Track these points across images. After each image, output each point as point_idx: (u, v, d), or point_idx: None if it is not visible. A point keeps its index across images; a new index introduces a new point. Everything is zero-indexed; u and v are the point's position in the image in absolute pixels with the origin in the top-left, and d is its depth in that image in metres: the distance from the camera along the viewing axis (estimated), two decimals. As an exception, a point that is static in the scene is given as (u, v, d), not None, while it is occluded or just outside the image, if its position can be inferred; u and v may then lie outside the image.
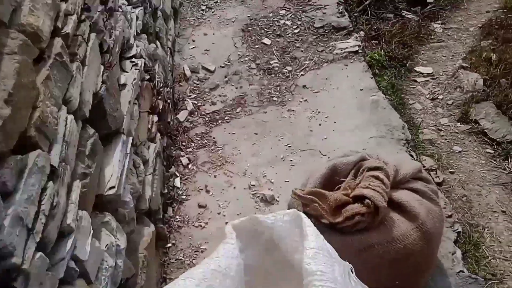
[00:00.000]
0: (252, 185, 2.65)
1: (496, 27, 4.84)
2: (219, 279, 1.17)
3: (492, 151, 3.49)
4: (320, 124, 2.96)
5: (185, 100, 3.16)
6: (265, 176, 2.69)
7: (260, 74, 3.35)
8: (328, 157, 2.72)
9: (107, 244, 1.68)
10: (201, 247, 2.38)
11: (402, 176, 1.94)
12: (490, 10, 5.42)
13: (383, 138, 2.76)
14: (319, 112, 3.03)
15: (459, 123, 3.79)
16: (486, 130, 3.62)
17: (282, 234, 1.30)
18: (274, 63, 3.44)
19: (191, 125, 3.03)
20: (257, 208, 2.52)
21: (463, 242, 2.64)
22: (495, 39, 4.62)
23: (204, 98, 3.22)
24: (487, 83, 4.07)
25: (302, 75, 3.32)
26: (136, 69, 2.39)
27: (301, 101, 3.14)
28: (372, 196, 1.73)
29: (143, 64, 2.51)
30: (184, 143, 2.91)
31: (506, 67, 4.08)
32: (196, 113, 3.11)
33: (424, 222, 1.79)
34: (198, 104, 3.17)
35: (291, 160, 2.76)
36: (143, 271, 2.01)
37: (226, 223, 1.49)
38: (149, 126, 2.53)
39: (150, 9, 2.99)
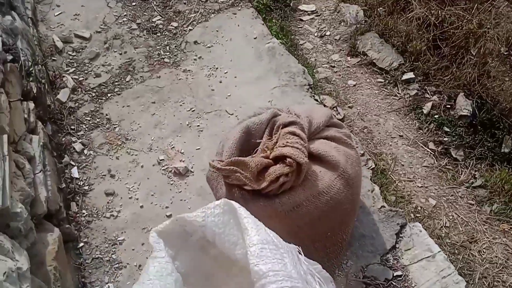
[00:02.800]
0: (161, 160, 2.44)
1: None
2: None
3: (383, 80, 3.65)
4: (220, 82, 2.78)
5: (63, 76, 2.74)
6: (173, 147, 2.48)
7: (144, 35, 3.02)
8: (236, 116, 2.60)
9: (5, 272, 1.41)
10: (118, 239, 2.16)
11: (315, 126, 1.89)
12: None
13: (286, 86, 2.69)
14: (216, 68, 2.84)
15: (349, 57, 3.88)
16: (374, 61, 3.76)
17: (216, 231, 1.16)
18: (157, 20, 3.11)
19: (77, 104, 2.65)
20: (171, 184, 2.34)
21: (377, 176, 2.75)
22: (365, -32, 4.71)
23: (86, 71, 2.82)
24: (367, 13, 4.18)
25: (190, 30, 3.06)
26: (-8, 51, 1.97)
27: (195, 59, 2.90)
28: (292, 154, 1.65)
29: (0, 43, 2.07)
30: (73, 127, 2.55)
31: (381, -5, 4.21)
32: (79, 89, 2.73)
33: (345, 169, 1.78)
34: (80, 79, 2.77)
35: (198, 125, 2.57)
36: (56, 286, 1.76)
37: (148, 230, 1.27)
38: (26, 115, 2.15)
39: (-6, -27, 2.46)
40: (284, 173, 1.66)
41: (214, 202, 1.20)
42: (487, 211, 2.79)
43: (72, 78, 2.74)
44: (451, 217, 2.79)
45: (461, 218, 2.77)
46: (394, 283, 1.91)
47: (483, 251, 2.60)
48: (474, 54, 3.56)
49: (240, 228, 1.09)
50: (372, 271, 1.95)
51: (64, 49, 2.90)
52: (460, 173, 2.98)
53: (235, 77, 2.81)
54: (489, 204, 2.81)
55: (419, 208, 2.79)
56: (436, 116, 3.26)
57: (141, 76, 2.81)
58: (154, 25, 3.07)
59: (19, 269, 1.50)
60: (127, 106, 2.68)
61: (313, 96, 2.69)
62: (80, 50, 2.91)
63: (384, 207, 2.17)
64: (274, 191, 1.69)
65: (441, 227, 2.74)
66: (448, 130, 3.16)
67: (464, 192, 2.91)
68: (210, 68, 2.85)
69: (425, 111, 3.33)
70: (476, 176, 2.99)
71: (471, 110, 3.19)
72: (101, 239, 2.16)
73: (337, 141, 1.90)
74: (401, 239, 2.04)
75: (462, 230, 2.68)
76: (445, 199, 2.88)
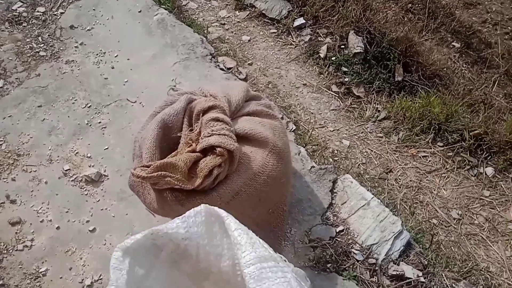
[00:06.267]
0: (66, 170, 2.15)
1: None
2: None
3: (276, 30, 3.61)
4: (113, 67, 2.48)
5: None
6: (77, 153, 2.20)
7: (7, 27, 2.55)
8: (140, 103, 2.36)
9: None
10: (41, 271, 1.91)
11: (235, 104, 1.78)
12: None
13: (188, 59, 2.49)
14: (104, 53, 2.52)
15: (237, 11, 3.74)
16: (263, 11, 3.68)
17: (200, 242, 1.01)
18: (19, 7, 2.63)
19: None
20: (86, 194, 2.09)
21: (300, 137, 2.74)
22: None
23: None
24: (243, -37, 4.01)
25: (62, 13, 2.65)
26: None
27: (77, 46, 2.54)
28: (221, 142, 1.54)
29: None
30: None
31: None
32: None
33: (275, 143, 1.73)
34: None
35: (99, 122, 2.29)
36: None
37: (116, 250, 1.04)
38: None
39: None
40: (216, 165, 1.55)
41: (193, 209, 1.04)
42: (395, 140, 2.97)
43: None
44: (365, 153, 2.93)
45: (374, 152, 2.92)
46: (338, 239, 1.97)
47: (399, 179, 2.79)
48: (354, -11, 3.64)
49: (226, 236, 0.97)
50: (316, 233, 1.98)
51: None
52: (365, 109, 3.12)
53: (128, 59, 2.52)
54: (395, 133, 2.99)
55: (336, 151, 2.89)
56: (333, 58, 3.32)
57: (16, 78, 2.40)
58: (16, 14, 2.60)
59: None
60: (9, 116, 2.28)
61: (218, 65, 2.53)
62: None
63: (314, 167, 2.19)
64: (209, 185, 1.59)
65: (359, 164, 2.88)
66: (346, 69, 3.25)
67: (372, 127, 3.06)
68: (97, 54, 2.52)
69: (322, 55, 3.37)
70: (379, 109, 3.14)
71: (363, 46, 3.30)
72: (20, 276, 1.89)
73: (260, 115, 1.82)
74: (335, 194, 2.09)
75: (377, 163, 2.84)
76: (356, 137, 3.00)
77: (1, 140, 2.21)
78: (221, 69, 2.59)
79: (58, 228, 2.01)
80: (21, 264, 1.92)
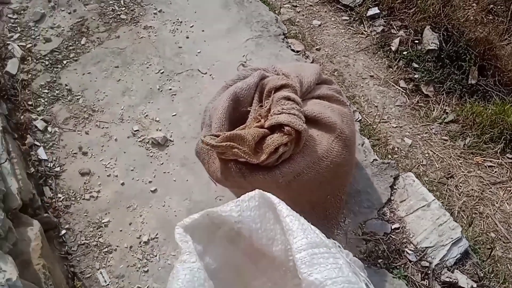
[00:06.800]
0: (135, 130, 2.25)
1: None
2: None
3: (348, 18, 3.53)
4: (187, 37, 2.55)
5: (8, 44, 2.40)
6: (147, 115, 2.30)
7: (93, -12, 2.67)
8: (210, 75, 2.41)
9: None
10: (103, 221, 2.03)
11: (307, 85, 1.78)
12: None
13: (260, 37, 2.51)
14: (181, 22, 2.59)
15: (310, -6, 3.70)
16: (337, -3, 3.61)
17: (253, 226, 1.04)
18: (104, -31, 2.75)
19: (30, 76, 2.36)
20: (151, 156, 2.19)
21: (365, 129, 2.69)
22: None
23: (32, 36, 2.49)
24: None
25: (144, -22, 2.74)
26: None
27: (155, 13, 2.62)
28: (290, 121, 1.55)
29: None
30: (30, 102, 2.28)
31: None
32: (29, 58, 2.41)
33: (342, 130, 1.71)
34: (28, 46, 2.45)
35: (170, 89, 2.37)
36: (48, 285, 1.64)
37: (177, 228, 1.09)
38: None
39: None
40: (283, 143, 1.56)
41: (247, 193, 1.07)
42: (461, 145, 2.85)
43: (18, 45, 2.41)
44: (427, 155, 2.84)
45: (437, 154, 2.83)
46: (393, 236, 1.95)
47: (460, 186, 2.69)
48: (437, -17, 3.48)
49: (278, 221, 1.00)
50: (370, 227, 1.96)
51: (3, 12, 2.53)
52: (432, 109, 3.01)
53: (203, 30, 2.58)
54: (462, 139, 2.87)
55: (396, 148, 2.82)
56: (404, 53, 3.22)
57: (97, 38, 2.52)
58: (102, -25, 2.72)
59: (9, 280, 1.37)
60: (88, 73, 2.42)
61: (289, 46, 2.53)
62: (22, 12, 2.54)
63: (376, 160, 2.15)
64: (273, 162, 1.61)
65: (418, 165, 2.79)
66: (417, 66, 3.14)
67: (437, 128, 2.95)
68: (174, 23, 2.59)
69: (393, 48, 3.27)
70: (447, 111, 3.02)
71: (438, 43, 3.16)
72: (84, 223, 2.02)
73: (330, 100, 1.81)
74: (395, 191, 2.05)
75: (438, 167, 2.75)
76: (419, 137, 2.91)
77: (79, 95, 2.34)
78: (292, 50, 2.58)
79: (123, 184, 2.12)
80: (86, 213, 2.05)
